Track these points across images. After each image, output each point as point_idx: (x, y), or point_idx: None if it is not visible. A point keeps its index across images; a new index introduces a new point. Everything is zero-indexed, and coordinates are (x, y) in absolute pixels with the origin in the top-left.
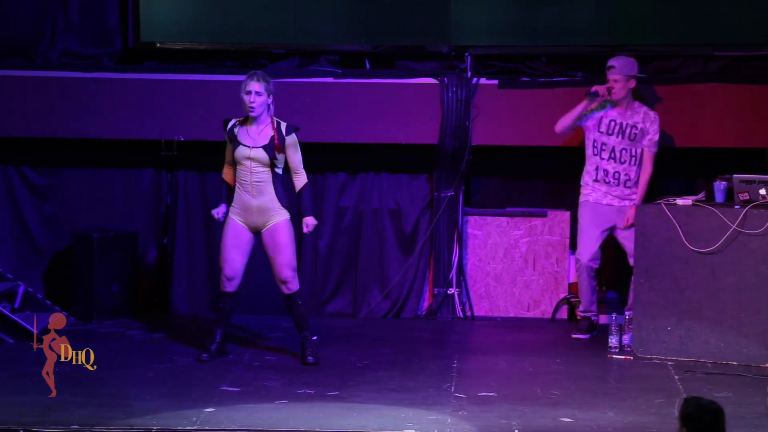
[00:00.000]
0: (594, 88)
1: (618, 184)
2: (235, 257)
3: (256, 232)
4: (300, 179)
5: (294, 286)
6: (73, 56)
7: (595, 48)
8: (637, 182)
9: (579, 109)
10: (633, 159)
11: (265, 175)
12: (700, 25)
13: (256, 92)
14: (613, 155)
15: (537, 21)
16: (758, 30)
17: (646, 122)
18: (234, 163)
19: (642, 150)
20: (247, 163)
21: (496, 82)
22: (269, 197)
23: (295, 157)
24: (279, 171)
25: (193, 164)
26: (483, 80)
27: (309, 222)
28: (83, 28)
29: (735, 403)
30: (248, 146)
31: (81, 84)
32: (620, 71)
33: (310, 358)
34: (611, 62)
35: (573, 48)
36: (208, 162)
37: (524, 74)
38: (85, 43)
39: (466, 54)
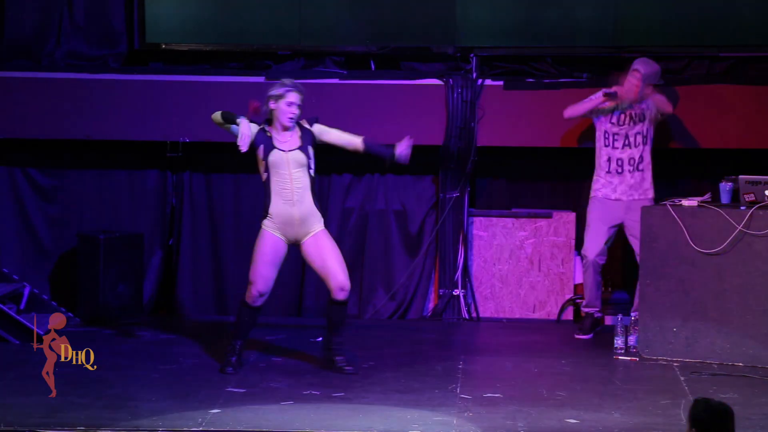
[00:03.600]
0: (614, 89)
1: (633, 170)
2: (270, 274)
3: (294, 245)
4: (356, 139)
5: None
6: (79, 57)
7: (600, 49)
8: (649, 165)
9: (593, 102)
10: (645, 139)
11: (304, 179)
12: (705, 27)
13: (297, 105)
14: (627, 141)
15: (542, 22)
16: (764, 31)
17: (649, 100)
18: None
19: (649, 128)
20: (286, 169)
21: (501, 83)
22: (308, 204)
23: (334, 132)
24: (312, 173)
25: (198, 165)
26: (488, 81)
27: (403, 143)
28: (89, 30)
29: (741, 405)
30: (284, 150)
31: (86, 85)
32: (644, 79)
33: (349, 368)
34: (637, 65)
35: (578, 49)
36: (214, 163)
37: (529, 75)
38: (91, 44)
39: (472, 55)
